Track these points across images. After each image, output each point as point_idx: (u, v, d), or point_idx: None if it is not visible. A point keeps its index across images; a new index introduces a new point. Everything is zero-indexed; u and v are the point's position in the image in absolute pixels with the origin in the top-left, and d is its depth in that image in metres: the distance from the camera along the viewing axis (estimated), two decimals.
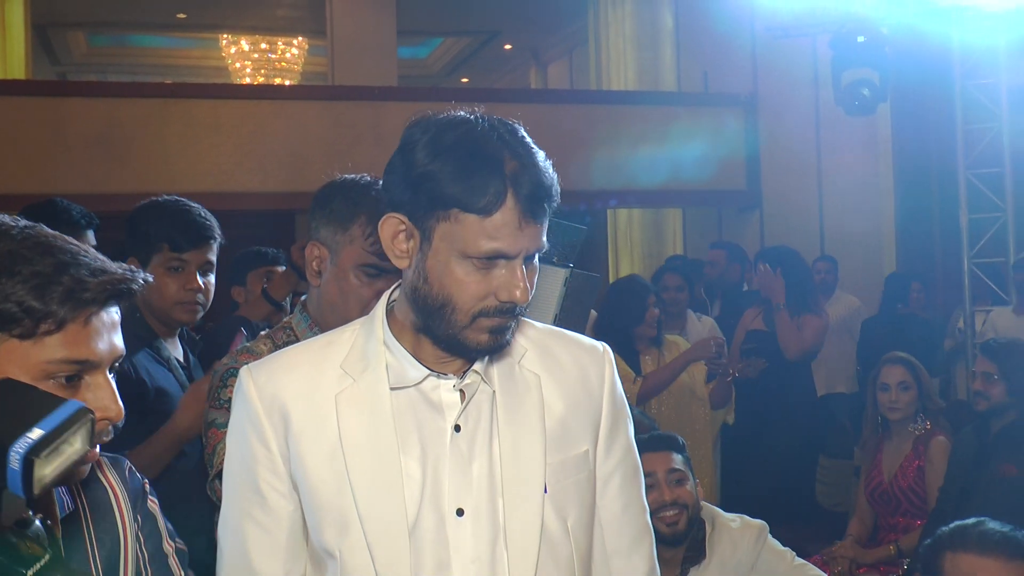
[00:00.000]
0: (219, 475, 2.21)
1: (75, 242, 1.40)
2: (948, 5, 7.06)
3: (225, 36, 10.75)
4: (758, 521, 3.15)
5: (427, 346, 1.63)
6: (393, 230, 1.58)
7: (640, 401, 4.78)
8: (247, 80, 10.48)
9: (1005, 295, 7.74)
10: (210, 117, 8.60)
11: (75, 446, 1.20)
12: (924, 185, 8.89)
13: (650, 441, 3.04)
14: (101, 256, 1.40)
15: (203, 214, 2.79)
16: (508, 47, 14.54)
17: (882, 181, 9.33)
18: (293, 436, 1.61)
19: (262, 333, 2.41)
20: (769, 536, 3.11)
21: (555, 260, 2.02)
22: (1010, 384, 4.26)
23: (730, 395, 5.12)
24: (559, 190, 1.59)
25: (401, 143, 1.58)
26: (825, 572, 4.36)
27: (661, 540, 2.88)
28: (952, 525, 2.47)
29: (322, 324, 2.27)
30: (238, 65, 10.52)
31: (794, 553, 3.15)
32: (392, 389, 1.62)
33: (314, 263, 2.26)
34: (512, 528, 1.62)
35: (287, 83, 10.47)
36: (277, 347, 2.30)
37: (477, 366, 1.65)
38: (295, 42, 10.65)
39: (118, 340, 1.41)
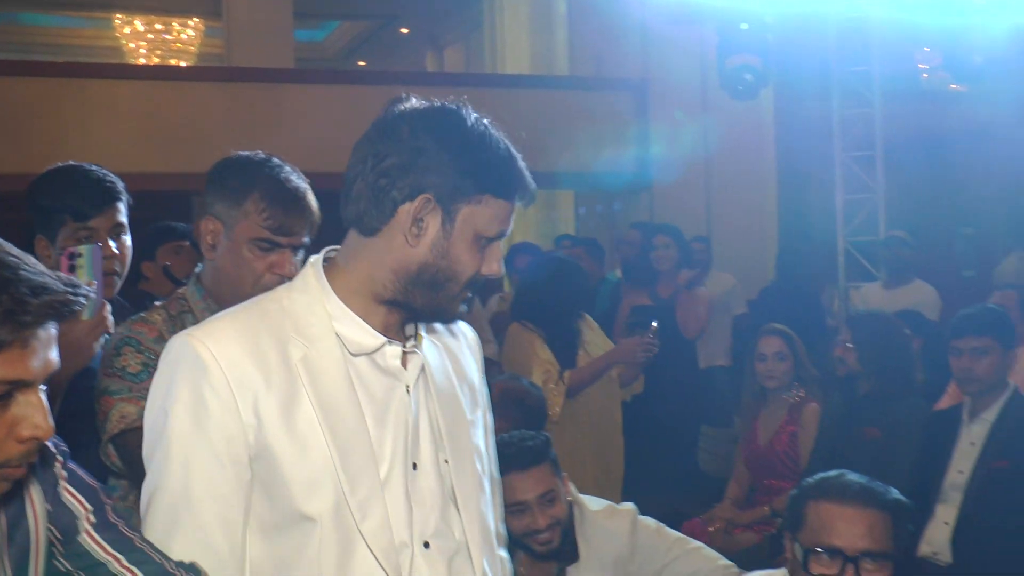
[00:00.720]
0: (112, 440, 2.21)
1: (15, 252, 1.29)
2: None
3: (119, 16, 10.49)
4: (626, 506, 3.07)
5: (381, 314, 1.69)
6: (417, 211, 1.63)
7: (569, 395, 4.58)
8: (142, 61, 10.25)
9: (876, 271, 8.02)
10: (106, 97, 8.42)
11: None
12: (803, 167, 9.11)
13: (517, 457, 2.78)
14: (42, 267, 1.30)
15: (102, 174, 2.55)
16: (405, 31, 14.49)
17: (765, 163, 9.53)
18: (261, 406, 1.61)
19: (156, 303, 2.41)
20: (640, 517, 3.02)
21: None
22: (861, 352, 4.45)
23: (639, 373, 5.04)
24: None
25: (428, 128, 1.64)
26: (705, 533, 4.53)
27: (538, 557, 2.87)
28: (816, 476, 2.58)
29: (216, 297, 2.29)
30: (132, 46, 10.28)
31: (663, 525, 3.06)
32: (352, 355, 1.67)
33: (208, 237, 2.27)
34: (456, 478, 1.73)
35: (183, 64, 10.26)
36: (172, 317, 2.32)
37: (421, 334, 1.77)
38: (191, 23, 10.45)
39: (54, 355, 1.33)
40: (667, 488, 4.86)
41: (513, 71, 11.08)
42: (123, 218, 2.55)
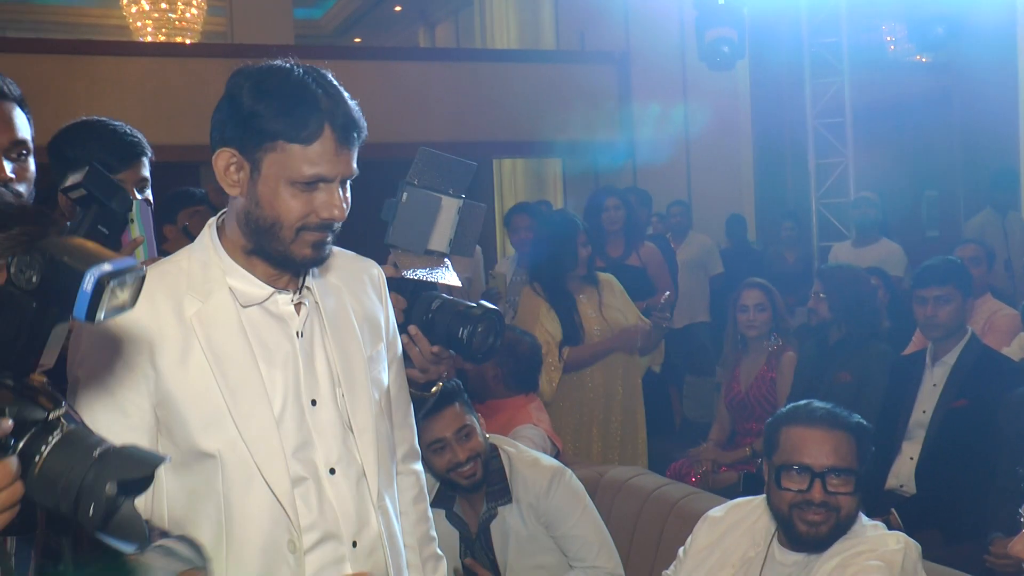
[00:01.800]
0: None
1: None
2: None
3: None
4: (553, 464, 3.13)
5: (259, 265, 1.76)
6: (225, 163, 1.69)
7: (565, 371, 4.53)
8: (148, 38, 10.20)
9: (846, 231, 8.10)
10: (114, 73, 8.38)
11: (125, 295, 1.20)
12: (777, 133, 9.09)
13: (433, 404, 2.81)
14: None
15: (128, 129, 2.44)
16: (398, 8, 14.41)
17: (741, 130, 9.48)
18: (158, 358, 1.68)
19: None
20: (569, 479, 3.08)
21: (451, 192, 2.13)
22: (831, 302, 4.55)
23: (660, 342, 4.92)
24: (365, 125, 1.73)
25: (226, 90, 1.70)
26: (690, 473, 4.64)
27: (464, 491, 3.00)
28: (787, 407, 2.71)
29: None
30: (139, 24, 10.22)
31: (588, 498, 3.12)
32: (244, 307, 1.75)
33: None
34: (353, 410, 1.80)
35: (187, 42, 10.23)
36: None
37: (308, 281, 1.81)
38: (194, 2, 10.39)
39: None
40: (654, 432, 4.94)
41: (501, 46, 11.05)
42: (147, 173, 2.46)
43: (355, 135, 1.70)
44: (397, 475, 1.95)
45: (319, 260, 1.76)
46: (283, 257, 1.72)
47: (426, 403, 2.15)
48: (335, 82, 1.72)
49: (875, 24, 9.62)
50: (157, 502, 1.72)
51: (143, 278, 1.22)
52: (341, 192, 1.71)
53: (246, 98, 1.66)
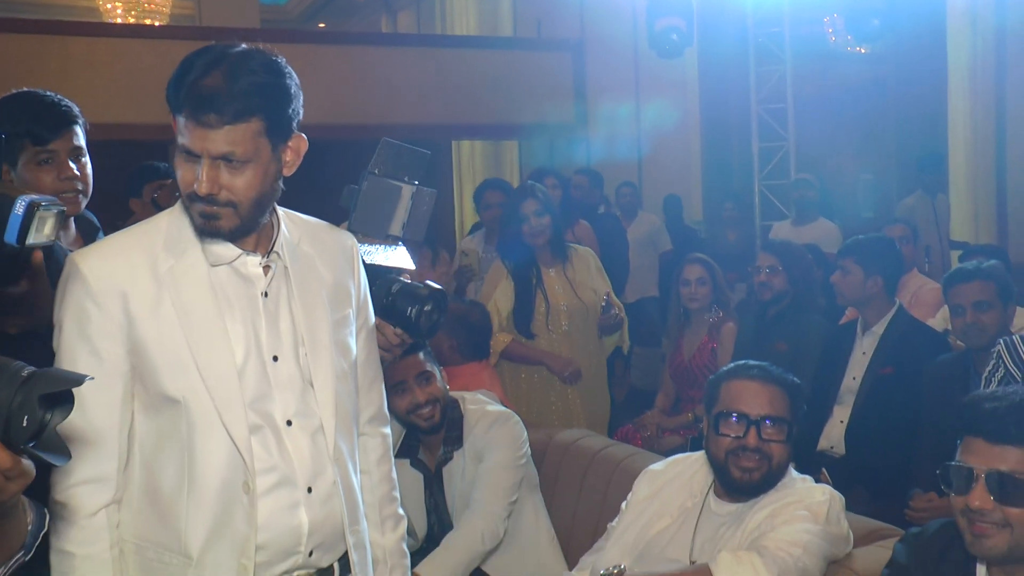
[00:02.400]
0: None
1: None
2: None
3: None
4: (504, 410, 3.24)
5: None
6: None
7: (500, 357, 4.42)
8: (118, 20, 10.06)
9: (786, 210, 8.20)
10: (86, 53, 8.25)
11: (48, 228, 1.25)
12: (723, 118, 9.14)
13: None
14: None
15: (57, 99, 2.35)
16: None
17: (690, 115, 9.55)
18: (131, 308, 1.72)
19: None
20: (514, 423, 3.18)
21: (405, 179, 2.18)
22: (790, 274, 4.59)
23: (620, 325, 4.61)
24: (233, 108, 1.65)
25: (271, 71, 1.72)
26: (637, 437, 4.69)
27: (423, 432, 3.10)
28: (726, 366, 2.77)
29: None
30: (109, 6, 10.07)
31: (521, 449, 3.18)
32: (213, 266, 1.78)
33: None
34: (315, 368, 1.83)
35: (157, 24, 10.09)
36: None
37: (278, 247, 1.83)
38: None
39: None
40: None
41: (461, 32, 11.02)
42: (80, 141, 2.37)
43: (210, 115, 1.65)
44: (362, 435, 1.97)
45: (210, 231, 1.74)
46: (194, 225, 1.76)
47: None
48: (231, 62, 1.68)
49: (816, 16, 9.71)
50: (131, 443, 1.76)
51: (63, 212, 1.28)
52: (219, 169, 1.69)
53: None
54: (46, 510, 1.48)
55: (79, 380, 1.23)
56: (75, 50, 8.25)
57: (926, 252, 6.43)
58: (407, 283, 2.07)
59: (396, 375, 3.01)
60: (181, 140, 1.68)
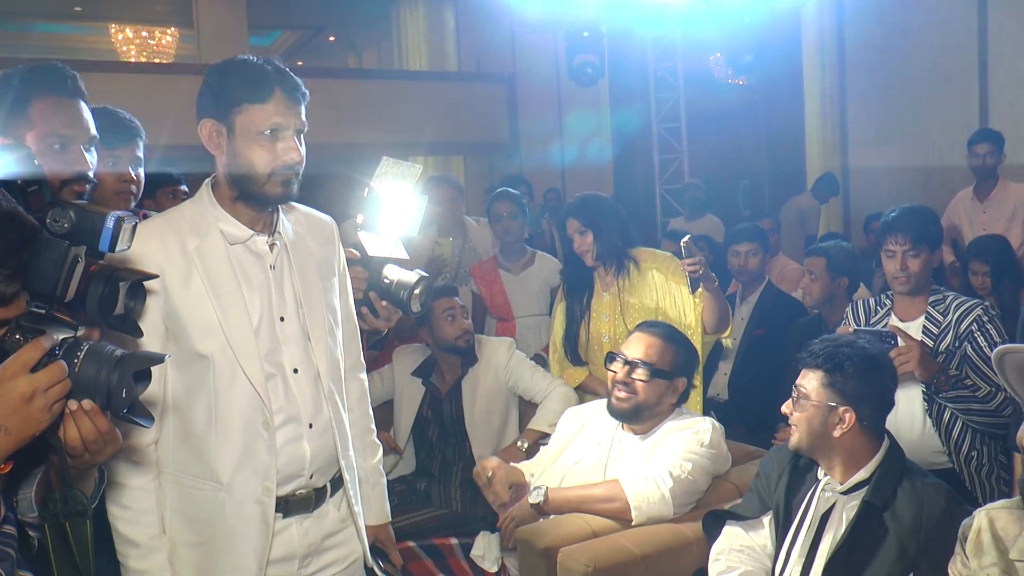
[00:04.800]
0: None
1: None
2: (644, 12, 7.37)
3: (113, 25, 10.10)
4: (505, 339, 3.42)
5: (243, 211, 1.80)
6: (208, 130, 1.75)
7: None
8: (132, 59, 9.91)
9: (681, 209, 8.34)
10: (105, 86, 8.09)
11: (127, 237, 1.30)
12: (631, 135, 9.17)
13: (440, 292, 3.28)
14: None
15: (128, 117, 2.39)
16: (332, 38, 14.19)
17: (603, 133, 9.54)
18: (167, 282, 1.73)
19: None
20: (516, 349, 3.34)
21: (402, 187, 2.24)
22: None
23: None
24: (304, 93, 1.76)
25: (206, 75, 1.76)
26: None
27: (461, 352, 3.27)
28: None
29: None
30: (124, 48, 9.92)
31: (534, 364, 3.34)
32: (231, 245, 1.79)
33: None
34: (312, 325, 1.85)
35: (164, 62, 9.98)
36: None
37: (279, 227, 1.84)
38: (169, 31, 10.12)
39: None
40: None
41: (414, 68, 11.02)
42: (141, 153, 2.39)
43: (299, 95, 1.74)
44: (346, 380, 1.98)
45: (288, 197, 1.78)
46: (260, 196, 1.76)
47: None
48: (281, 63, 1.76)
49: (703, 54, 9.83)
50: (164, 392, 1.77)
51: (137, 225, 1.32)
52: (296, 140, 1.74)
53: (215, 79, 1.74)
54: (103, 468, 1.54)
55: (160, 359, 1.29)
56: (94, 83, 8.02)
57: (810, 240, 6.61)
58: (402, 270, 2.11)
59: (444, 307, 3.23)
60: (266, 122, 1.69)
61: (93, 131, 1.87)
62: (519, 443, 3.11)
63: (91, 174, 1.85)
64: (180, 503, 1.78)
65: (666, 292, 3.14)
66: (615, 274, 3.18)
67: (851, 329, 2.69)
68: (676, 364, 2.64)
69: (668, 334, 2.68)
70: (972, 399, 2.62)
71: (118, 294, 1.27)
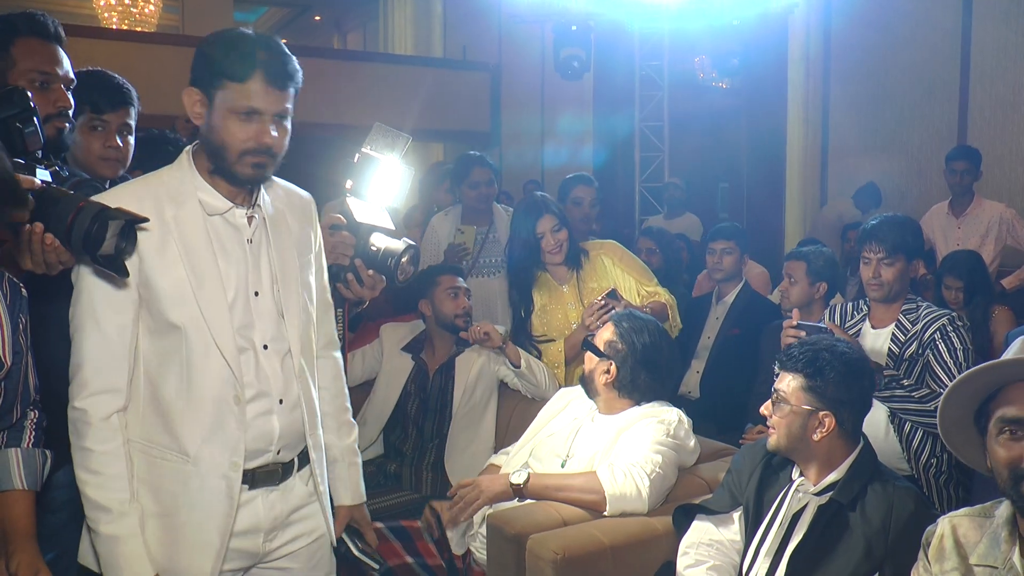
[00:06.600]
0: None
1: None
2: (631, 5, 7.38)
3: None
4: (500, 326, 3.34)
5: (221, 184, 1.77)
6: (191, 99, 1.72)
7: None
8: (114, 26, 9.72)
9: (660, 207, 8.38)
10: (86, 53, 7.94)
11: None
12: (613, 131, 9.20)
13: (448, 269, 3.38)
14: None
15: (121, 81, 2.34)
16: (317, 18, 14.06)
17: (586, 128, 9.57)
18: (142, 247, 1.69)
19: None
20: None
21: (391, 155, 2.22)
22: (665, 256, 4.72)
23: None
24: (301, 75, 1.72)
25: (197, 46, 1.73)
26: None
27: (451, 329, 3.26)
28: None
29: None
30: (107, 15, 9.74)
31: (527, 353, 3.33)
32: (209, 215, 1.76)
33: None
34: (286, 302, 1.83)
35: (146, 31, 9.79)
36: None
37: (259, 201, 1.81)
38: (152, 1, 9.97)
39: None
40: None
41: (400, 52, 10.94)
42: (132, 121, 2.33)
43: (285, 80, 1.69)
44: (319, 358, 1.96)
45: (260, 179, 1.77)
46: (232, 174, 1.74)
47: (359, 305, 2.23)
48: (279, 43, 1.73)
49: (689, 56, 9.89)
50: (136, 360, 1.75)
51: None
52: (277, 124, 1.71)
53: (206, 48, 1.71)
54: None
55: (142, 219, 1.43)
56: (76, 50, 7.89)
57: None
58: (389, 238, 2.08)
59: (449, 284, 3.23)
60: (242, 103, 1.66)
61: (71, 75, 1.94)
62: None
63: (71, 112, 1.95)
64: (147, 473, 1.76)
65: (617, 276, 3.35)
66: (568, 267, 3.33)
67: (795, 322, 2.72)
68: (632, 353, 2.72)
69: (628, 332, 2.76)
70: (908, 399, 2.69)
71: (106, 232, 1.29)
